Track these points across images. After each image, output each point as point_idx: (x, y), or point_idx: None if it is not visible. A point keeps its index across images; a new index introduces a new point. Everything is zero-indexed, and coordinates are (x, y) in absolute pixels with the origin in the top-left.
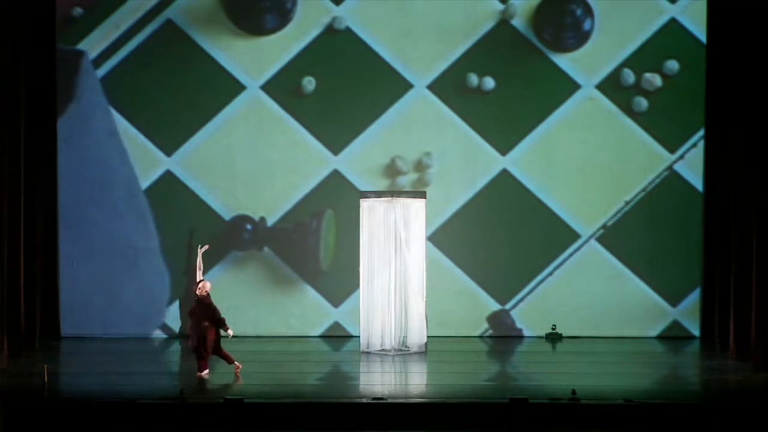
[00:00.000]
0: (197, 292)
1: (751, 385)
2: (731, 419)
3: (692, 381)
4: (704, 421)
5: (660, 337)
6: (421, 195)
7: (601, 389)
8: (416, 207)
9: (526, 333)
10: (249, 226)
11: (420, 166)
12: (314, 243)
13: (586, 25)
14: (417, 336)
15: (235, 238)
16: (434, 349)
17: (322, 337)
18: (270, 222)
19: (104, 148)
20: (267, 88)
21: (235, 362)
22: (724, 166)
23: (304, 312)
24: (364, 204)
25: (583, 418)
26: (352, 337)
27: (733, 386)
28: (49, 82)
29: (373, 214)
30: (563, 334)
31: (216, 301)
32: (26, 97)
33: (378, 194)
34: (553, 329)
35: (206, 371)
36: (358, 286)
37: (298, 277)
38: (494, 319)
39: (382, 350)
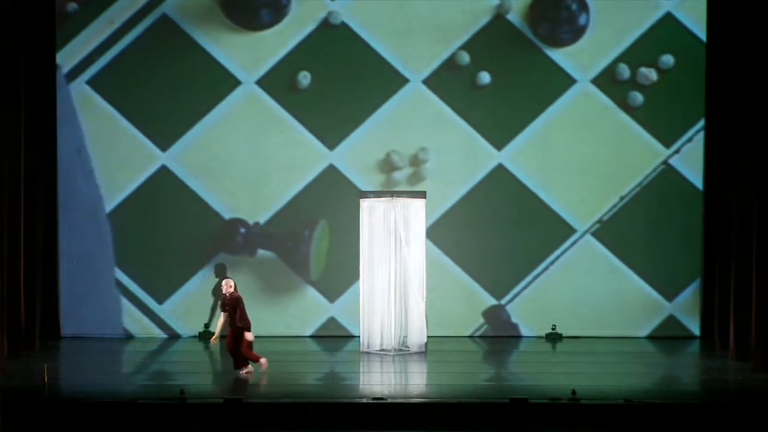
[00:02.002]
0: (230, 290)
1: (751, 385)
2: (731, 419)
3: (692, 381)
4: (704, 421)
5: (655, 335)
6: (421, 195)
7: (601, 389)
8: (416, 206)
9: (521, 328)
10: (242, 230)
11: (416, 161)
12: (306, 252)
13: (582, 20)
14: (417, 336)
15: (228, 240)
16: (434, 349)
17: (321, 336)
18: (266, 216)
19: (73, 162)
20: (262, 83)
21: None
22: (724, 161)
23: (300, 308)
24: (364, 204)
25: (583, 418)
26: (351, 336)
27: (733, 386)
28: (49, 83)
29: (372, 214)
30: (562, 333)
31: (211, 300)
32: (26, 97)
33: (378, 194)
34: (553, 329)
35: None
36: (353, 281)
37: (293, 273)
38: (490, 314)
39: (382, 350)
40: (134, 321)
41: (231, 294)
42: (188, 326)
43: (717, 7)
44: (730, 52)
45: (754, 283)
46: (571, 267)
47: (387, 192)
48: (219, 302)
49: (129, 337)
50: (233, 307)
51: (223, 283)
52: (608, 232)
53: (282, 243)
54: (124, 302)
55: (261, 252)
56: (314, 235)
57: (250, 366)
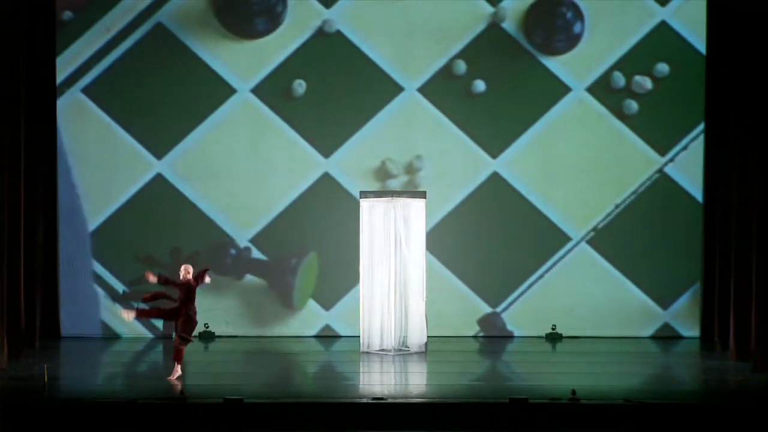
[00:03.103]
0: (187, 277)
1: (751, 385)
2: (731, 419)
3: (692, 381)
4: (704, 421)
5: (653, 338)
6: (421, 195)
7: (601, 389)
8: (416, 207)
9: (516, 335)
10: (233, 251)
11: (410, 169)
12: (290, 282)
13: (577, 28)
14: (417, 336)
15: (217, 262)
16: (434, 349)
17: (322, 337)
18: (261, 224)
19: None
20: (257, 91)
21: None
22: (723, 167)
23: (296, 315)
24: (364, 203)
25: (583, 418)
26: (348, 337)
27: (733, 386)
28: (49, 84)
29: (373, 214)
30: (563, 334)
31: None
32: (26, 98)
33: (378, 194)
34: (553, 329)
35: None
36: (349, 289)
37: (277, 301)
38: (485, 321)
39: (382, 350)
40: (132, 322)
41: (186, 279)
42: None
43: (716, 14)
44: (729, 57)
45: (754, 284)
46: (566, 275)
47: (387, 192)
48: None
49: (129, 337)
50: (184, 291)
51: (182, 267)
52: (603, 239)
53: (269, 270)
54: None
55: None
56: (301, 266)
57: (179, 370)
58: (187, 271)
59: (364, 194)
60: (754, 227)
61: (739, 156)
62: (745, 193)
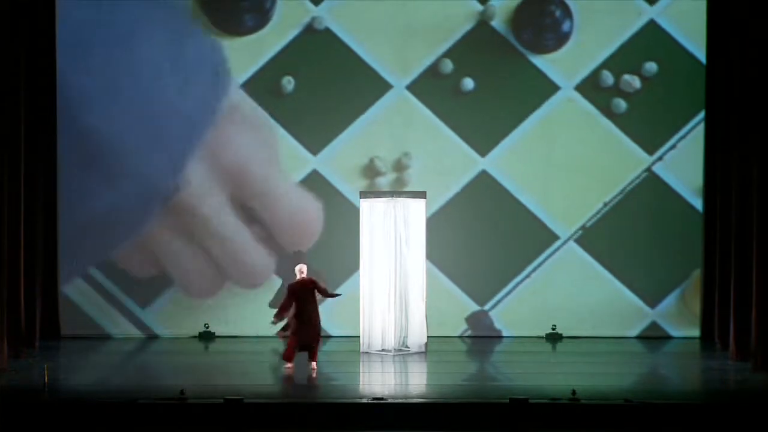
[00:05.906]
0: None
1: (751, 385)
2: (731, 419)
3: (692, 381)
4: (704, 421)
5: (640, 337)
6: (421, 195)
7: (601, 389)
8: (416, 206)
9: (504, 334)
10: None
11: (399, 167)
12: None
13: (565, 27)
14: (417, 336)
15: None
16: (434, 349)
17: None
18: None
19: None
20: (246, 87)
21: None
22: (721, 165)
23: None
24: (364, 204)
25: (583, 418)
26: (343, 337)
27: (733, 386)
28: (49, 81)
29: (373, 214)
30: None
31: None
32: (26, 98)
33: (378, 194)
34: (553, 329)
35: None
36: (336, 286)
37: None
38: (473, 320)
39: (382, 350)
40: (133, 321)
41: (302, 280)
42: (188, 326)
43: (716, 13)
44: (728, 52)
45: (754, 283)
46: (554, 273)
47: (387, 192)
48: (292, 289)
49: (129, 337)
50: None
51: (297, 268)
52: (591, 238)
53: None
54: (122, 302)
55: None
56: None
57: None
58: (300, 271)
59: (364, 194)
60: (754, 226)
61: (739, 154)
62: (745, 192)
